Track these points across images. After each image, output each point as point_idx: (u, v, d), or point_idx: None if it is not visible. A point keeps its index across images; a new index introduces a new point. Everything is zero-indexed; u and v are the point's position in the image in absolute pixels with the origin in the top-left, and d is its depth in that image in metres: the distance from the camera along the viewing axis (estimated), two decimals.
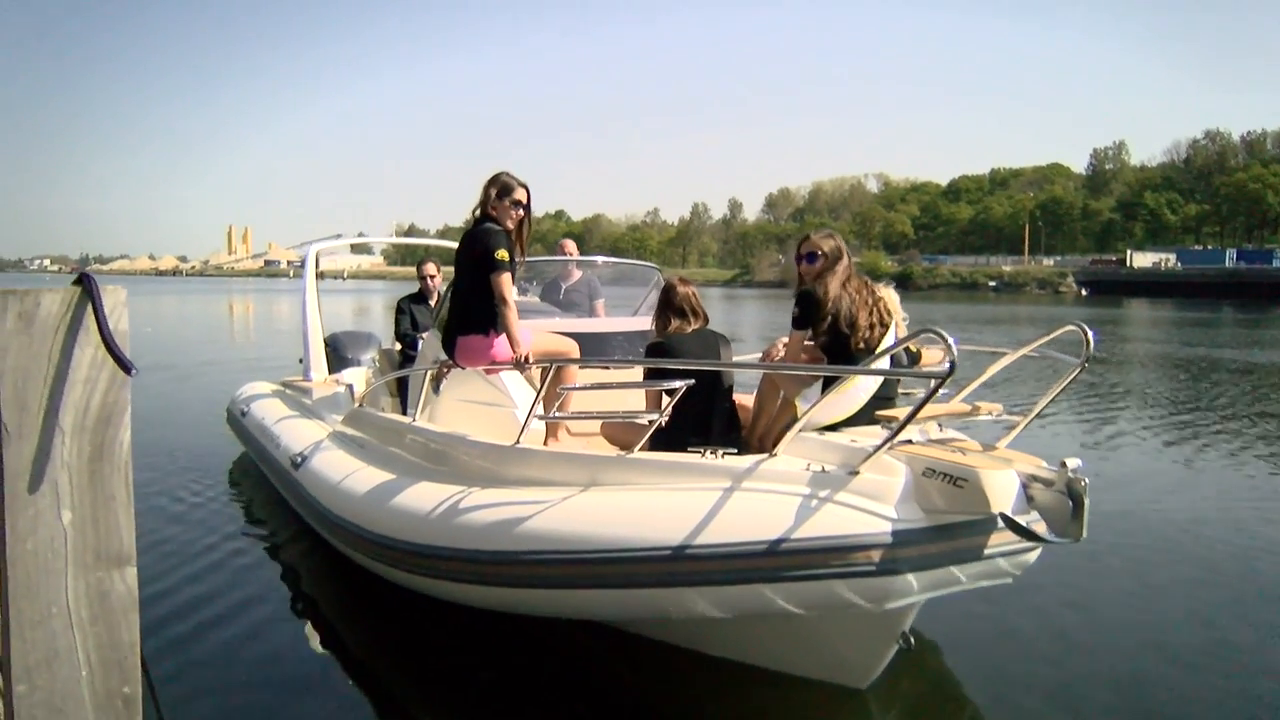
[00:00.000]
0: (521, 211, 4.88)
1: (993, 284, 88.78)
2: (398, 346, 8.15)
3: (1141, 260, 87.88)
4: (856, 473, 3.59)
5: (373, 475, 5.18)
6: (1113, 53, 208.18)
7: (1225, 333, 31.80)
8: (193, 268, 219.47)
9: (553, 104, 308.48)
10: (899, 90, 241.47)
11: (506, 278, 4.65)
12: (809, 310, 4.32)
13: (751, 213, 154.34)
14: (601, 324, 6.45)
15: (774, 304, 52.66)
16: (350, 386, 8.05)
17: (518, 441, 4.41)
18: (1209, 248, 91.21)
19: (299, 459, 6.27)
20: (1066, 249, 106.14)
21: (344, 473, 5.45)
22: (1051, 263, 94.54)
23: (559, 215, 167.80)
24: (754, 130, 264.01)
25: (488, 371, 5.19)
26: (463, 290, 4.90)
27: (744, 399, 5.09)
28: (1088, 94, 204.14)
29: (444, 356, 5.25)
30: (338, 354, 9.07)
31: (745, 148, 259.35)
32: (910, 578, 3.45)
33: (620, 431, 4.67)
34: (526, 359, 4.70)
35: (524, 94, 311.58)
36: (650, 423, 3.93)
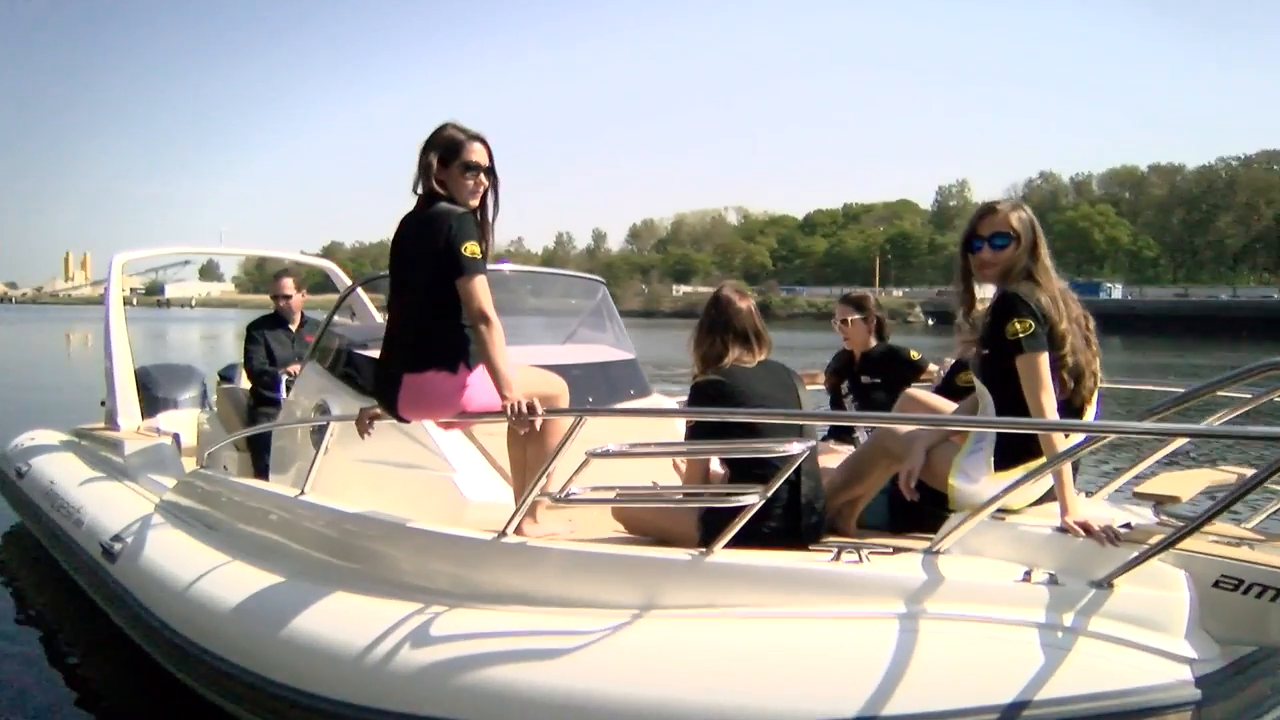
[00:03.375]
0: (483, 179, 3.33)
1: None
2: (246, 384, 6.33)
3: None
4: (1110, 585, 2.48)
5: (243, 577, 3.62)
6: (956, 95, 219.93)
7: None
8: (24, 294, 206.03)
9: (417, 130, 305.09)
10: (757, 126, 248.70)
11: (482, 284, 3.17)
12: (1027, 319, 2.86)
13: (615, 243, 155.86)
14: (555, 354, 4.85)
15: (645, 333, 52.88)
16: (176, 437, 6.25)
17: (505, 532, 3.03)
18: None
19: (114, 545, 4.51)
20: (914, 281, 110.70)
21: (193, 571, 3.83)
22: (901, 294, 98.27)
23: None
24: (619, 161, 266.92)
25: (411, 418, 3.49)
26: (409, 306, 3.33)
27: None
28: (934, 134, 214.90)
29: (361, 402, 3.81)
30: (148, 393, 7.01)
31: (609, 178, 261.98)
32: None
33: (654, 516, 3.36)
34: (527, 408, 3.02)
35: (392, 119, 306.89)
36: (729, 506, 2.66)
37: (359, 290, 7.00)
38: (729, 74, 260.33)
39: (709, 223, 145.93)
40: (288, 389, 5.49)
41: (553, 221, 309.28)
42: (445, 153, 3.29)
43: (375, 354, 4.39)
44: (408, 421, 3.47)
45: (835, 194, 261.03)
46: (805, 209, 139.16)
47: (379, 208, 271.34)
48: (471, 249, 3.16)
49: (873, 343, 4.98)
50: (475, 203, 3.32)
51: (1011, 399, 2.86)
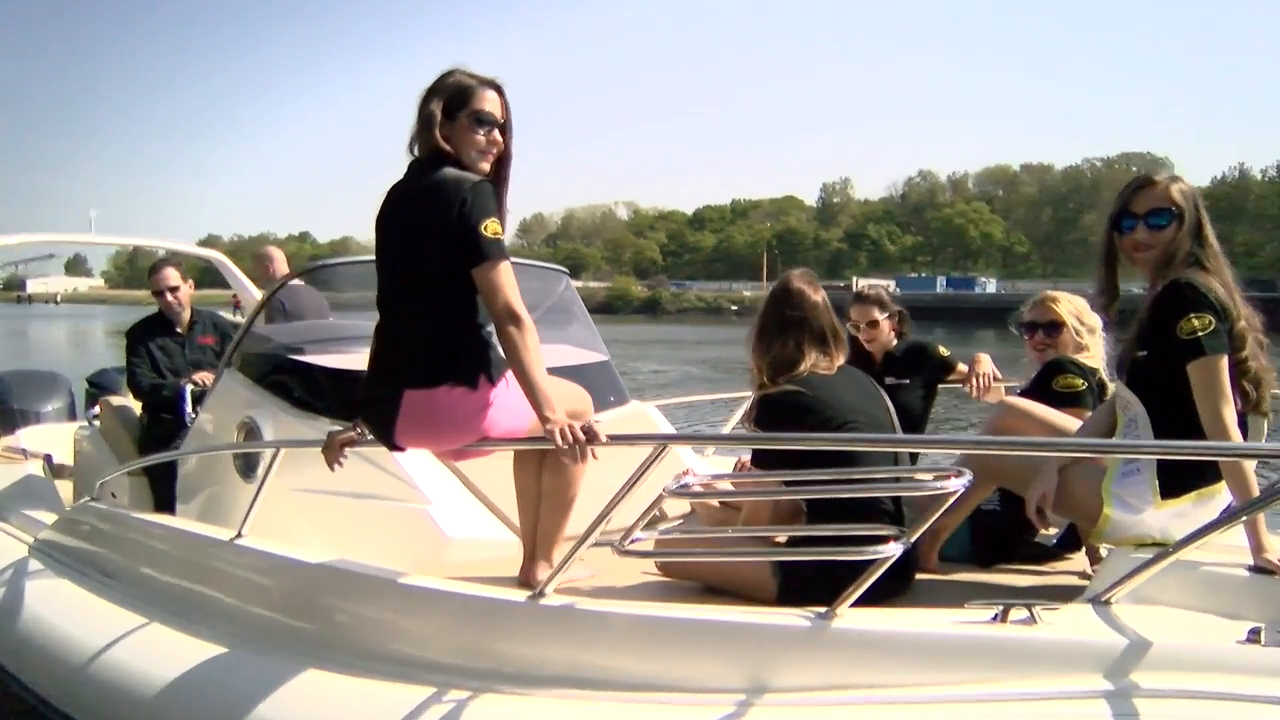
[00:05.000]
0: (497, 137, 2.68)
1: (735, 308, 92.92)
2: (132, 402, 5.22)
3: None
4: None
5: (162, 644, 2.92)
6: (838, 93, 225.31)
7: None
8: None
9: (316, 119, 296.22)
10: (644, 122, 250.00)
11: (508, 273, 2.55)
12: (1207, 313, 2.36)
13: (506, 238, 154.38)
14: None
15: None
16: (47, 459, 5.21)
17: (542, 590, 2.36)
18: (923, 275, 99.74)
19: None
20: None
21: (91, 635, 3.08)
22: None
23: (303, 238, 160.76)
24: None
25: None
26: (409, 302, 2.66)
27: None
28: (819, 131, 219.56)
29: (298, 420, 3.36)
30: (4, 404, 5.94)
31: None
32: None
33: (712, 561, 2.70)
34: (586, 435, 2.36)
35: (286, 107, 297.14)
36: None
37: (244, 283, 6.13)
38: (618, 66, 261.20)
39: (599, 218, 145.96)
40: (195, 403, 4.64)
41: None
42: (453, 100, 2.63)
43: (316, 359, 3.96)
44: (401, 450, 2.76)
45: (723, 190, 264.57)
46: (694, 204, 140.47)
47: (256, 199, 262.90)
48: (493, 228, 2.53)
49: (893, 341, 4.49)
50: (487, 167, 2.67)
51: (1172, 411, 2.41)
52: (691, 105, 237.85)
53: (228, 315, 6.63)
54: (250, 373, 4.12)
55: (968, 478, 1.96)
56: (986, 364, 4.27)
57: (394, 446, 2.71)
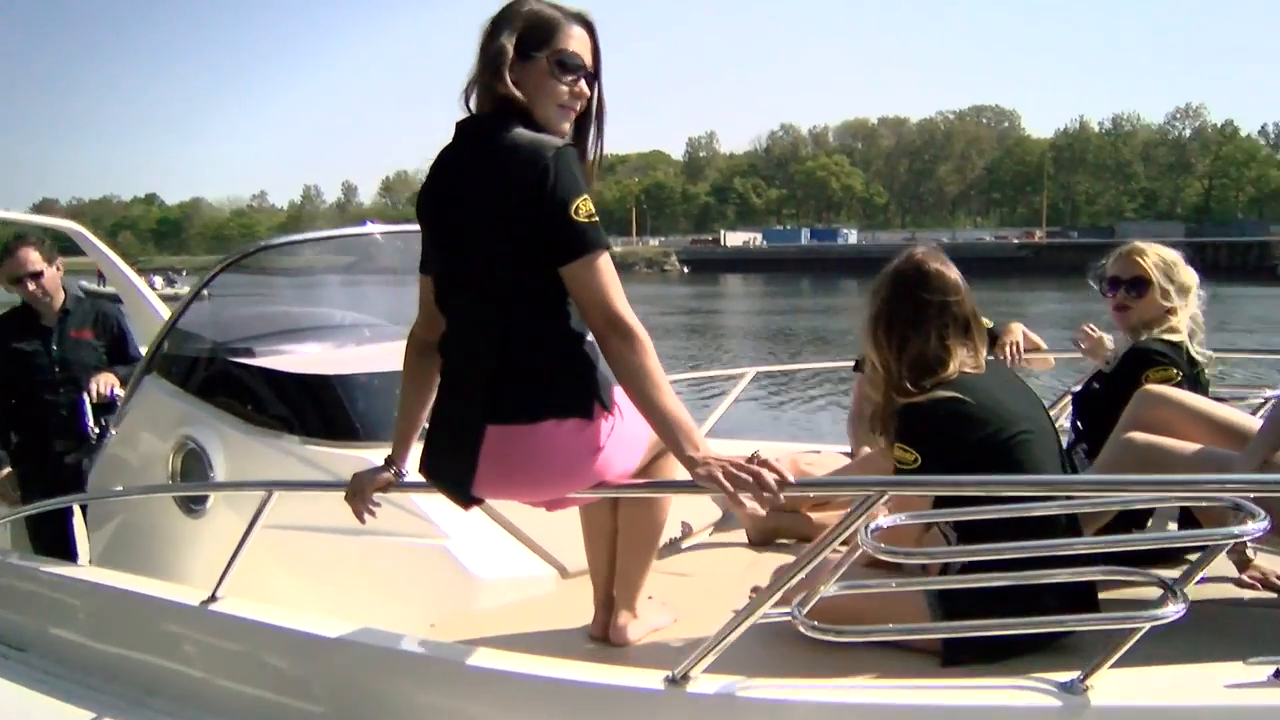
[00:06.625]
0: (584, 88, 2.06)
1: None
2: None
3: (734, 239, 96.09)
4: None
5: None
6: (703, 47, 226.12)
7: (806, 302, 35.84)
8: None
9: (145, 75, 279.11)
10: None
11: (609, 267, 1.95)
12: None
13: (368, 196, 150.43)
14: (366, 358, 3.34)
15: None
16: None
17: (688, 674, 1.76)
18: (788, 228, 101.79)
19: None
20: (669, 230, 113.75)
21: None
22: (657, 243, 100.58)
23: (150, 199, 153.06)
24: (369, 111, 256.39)
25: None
26: (483, 310, 2.03)
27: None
28: (685, 86, 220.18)
29: (257, 440, 2.89)
30: None
31: (358, 130, 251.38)
32: None
33: (859, 605, 2.02)
34: (769, 474, 1.70)
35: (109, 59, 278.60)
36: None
37: (110, 256, 4.71)
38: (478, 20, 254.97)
39: None
40: (99, 419, 3.74)
41: (297, 174, 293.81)
42: (527, 36, 1.99)
43: (271, 362, 3.26)
44: (478, 503, 2.13)
45: None
46: None
47: (98, 157, 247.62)
48: (586, 209, 1.94)
49: None
50: (568, 127, 2.07)
51: None
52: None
53: (92, 285, 5.36)
54: (180, 380, 3.41)
55: (1266, 522, 1.50)
56: (1017, 332, 3.69)
57: (469, 501, 2.08)
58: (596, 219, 1.94)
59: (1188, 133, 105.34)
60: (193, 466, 3.16)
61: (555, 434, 1.95)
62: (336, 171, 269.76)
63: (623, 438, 2.02)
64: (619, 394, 1.98)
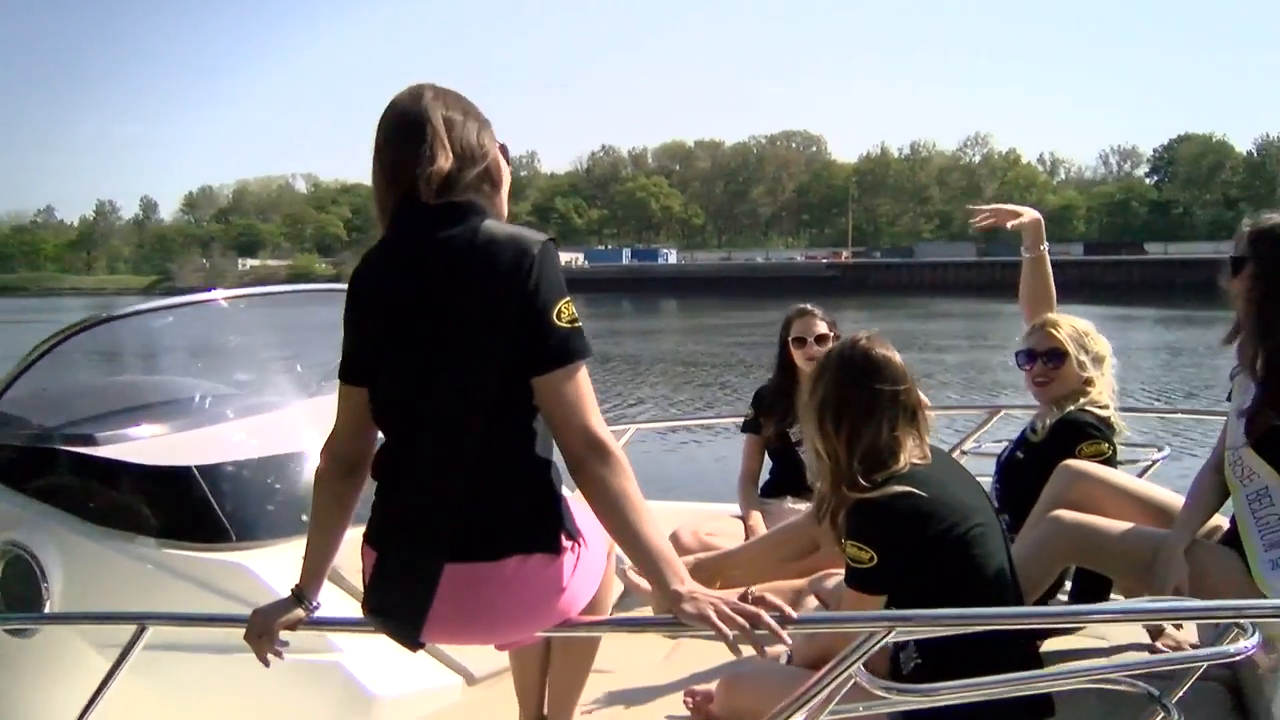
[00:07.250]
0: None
1: None
2: None
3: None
4: None
5: None
6: (523, 67, 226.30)
7: (625, 324, 36.30)
8: None
9: None
10: (327, 94, 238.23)
11: (586, 379, 1.77)
12: None
13: (168, 213, 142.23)
14: (231, 440, 2.94)
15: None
16: None
17: None
18: (610, 247, 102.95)
19: None
20: None
21: None
22: None
23: None
24: (169, 124, 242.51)
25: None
26: (448, 430, 1.77)
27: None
28: (505, 103, 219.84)
29: (102, 544, 2.53)
30: None
31: (151, 137, 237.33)
32: None
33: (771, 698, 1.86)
34: (767, 610, 1.62)
35: None
36: None
37: None
38: (287, 22, 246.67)
39: (276, 191, 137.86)
40: None
41: (89, 189, 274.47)
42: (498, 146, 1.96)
43: (116, 451, 2.77)
44: (422, 646, 1.87)
45: None
46: None
47: None
48: (569, 312, 1.75)
49: None
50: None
51: None
52: (370, 74, 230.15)
53: None
54: (0, 474, 2.96)
55: (1258, 639, 1.51)
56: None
57: (417, 645, 1.84)
58: (580, 324, 1.76)
59: (977, 159, 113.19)
60: (18, 577, 2.66)
61: (519, 572, 1.74)
62: (134, 186, 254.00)
63: (587, 567, 1.85)
64: (580, 517, 1.83)
